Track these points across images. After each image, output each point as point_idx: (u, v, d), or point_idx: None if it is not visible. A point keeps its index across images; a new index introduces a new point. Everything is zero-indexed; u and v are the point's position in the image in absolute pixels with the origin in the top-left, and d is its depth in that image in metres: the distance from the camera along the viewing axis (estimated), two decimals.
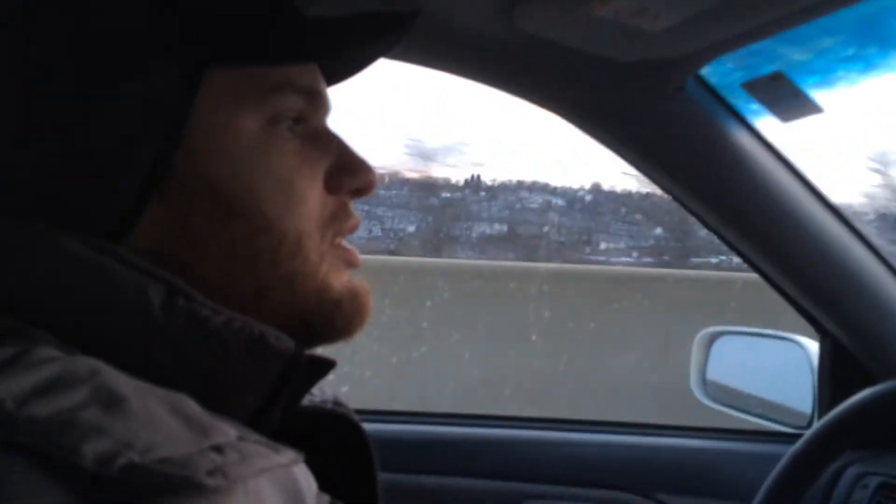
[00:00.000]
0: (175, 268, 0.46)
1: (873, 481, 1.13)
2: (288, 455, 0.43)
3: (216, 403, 0.44)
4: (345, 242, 0.56)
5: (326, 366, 0.52)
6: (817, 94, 0.93)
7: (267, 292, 0.50)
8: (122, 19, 0.46)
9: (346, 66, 0.61)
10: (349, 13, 0.54)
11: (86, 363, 0.39)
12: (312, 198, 0.52)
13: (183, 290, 0.45)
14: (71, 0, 0.46)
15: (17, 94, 0.45)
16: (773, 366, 1.43)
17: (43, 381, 0.36)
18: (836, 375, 1.22)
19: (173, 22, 0.46)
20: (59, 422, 0.35)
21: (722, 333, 1.52)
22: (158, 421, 0.38)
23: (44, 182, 0.45)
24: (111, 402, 0.37)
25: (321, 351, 0.55)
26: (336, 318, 0.53)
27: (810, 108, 0.93)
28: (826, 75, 0.89)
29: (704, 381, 1.46)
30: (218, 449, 0.38)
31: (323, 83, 0.55)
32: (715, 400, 1.43)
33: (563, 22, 0.79)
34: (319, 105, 0.54)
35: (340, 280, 0.54)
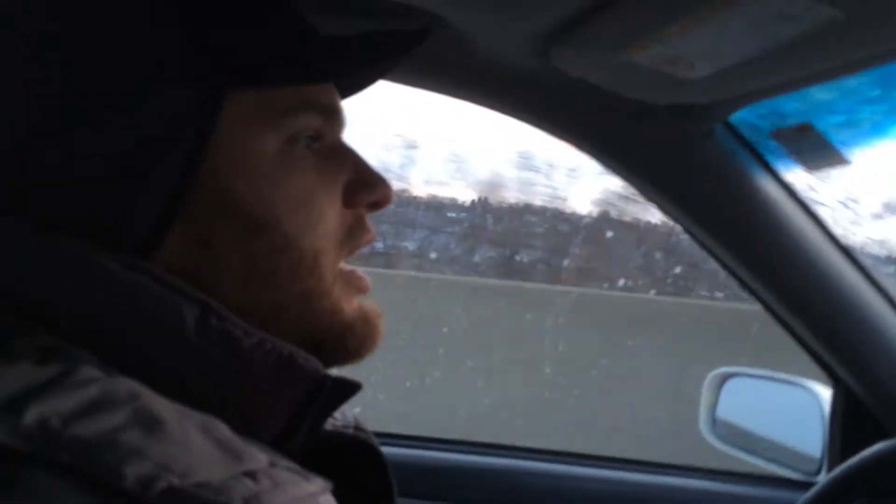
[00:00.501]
0: (199, 284, 0.47)
1: None
2: (318, 483, 0.44)
3: (244, 425, 0.44)
4: (357, 270, 0.57)
5: (352, 388, 0.52)
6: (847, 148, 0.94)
7: (284, 309, 0.51)
8: (147, 44, 0.47)
9: (358, 82, 0.62)
10: (364, 32, 0.56)
11: (126, 385, 0.40)
12: (331, 214, 0.53)
13: (217, 310, 0.46)
14: (95, 26, 0.47)
15: (37, 106, 0.46)
16: (784, 410, 1.42)
17: (86, 401, 0.37)
18: (847, 424, 1.21)
19: (198, 48, 0.48)
20: (101, 443, 0.35)
21: (733, 375, 1.52)
22: (194, 444, 0.38)
23: (70, 198, 0.45)
24: (150, 424, 0.38)
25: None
26: (348, 340, 0.54)
27: (837, 159, 0.94)
28: (851, 116, 0.90)
29: (714, 422, 1.46)
30: (251, 475, 0.39)
31: (338, 100, 0.56)
32: (725, 441, 1.42)
33: (599, 65, 0.80)
34: (335, 121, 0.56)
35: (351, 304, 0.55)
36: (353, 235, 0.55)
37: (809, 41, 0.64)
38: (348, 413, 0.65)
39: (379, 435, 1.33)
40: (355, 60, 0.56)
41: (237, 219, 0.49)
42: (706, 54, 0.71)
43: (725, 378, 1.50)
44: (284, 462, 0.45)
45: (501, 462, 1.31)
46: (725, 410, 1.46)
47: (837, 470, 0.94)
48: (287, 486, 0.40)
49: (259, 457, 0.42)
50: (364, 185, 0.55)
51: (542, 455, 1.35)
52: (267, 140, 0.50)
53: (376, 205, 0.57)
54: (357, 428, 0.63)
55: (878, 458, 0.90)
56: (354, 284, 0.56)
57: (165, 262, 0.47)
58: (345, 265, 0.56)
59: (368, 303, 0.57)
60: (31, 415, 0.35)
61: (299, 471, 0.44)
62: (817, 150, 0.93)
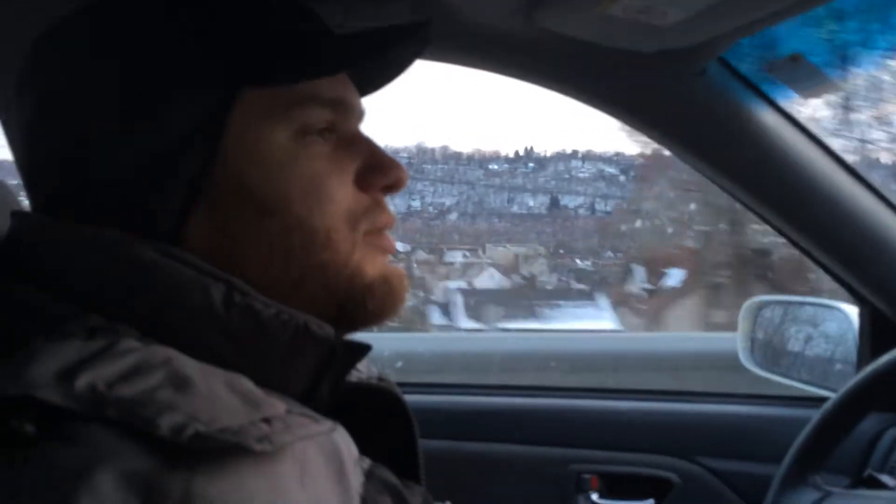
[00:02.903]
0: (222, 263, 0.53)
1: None
2: (326, 425, 0.51)
3: (270, 383, 0.52)
4: (385, 233, 0.61)
5: (362, 349, 0.59)
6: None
7: (303, 282, 0.56)
8: (169, 55, 0.53)
9: (380, 73, 0.66)
10: (366, 28, 0.60)
11: (160, 352, 0.47)
12: (341, 195, 0.57)
13: (240, 287, 0.52)
14: (121, 36, 0.54)
15: (79, 118, 0.53)
16: (818, 333, 1.45)
17: (126, 368, 0.45)
18: (875, 341, 1.24)
19: (211, 56, 0.54)
20: (139, 400, 0.43)
21: (768, 303, 1.55)
22: (219, 397, 0.46)
23: (105, 192, 0.53)
24: (181, 383, 0.45)
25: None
26: (368, 301, 0.59)
27: (830, 85, 0.96)
28: (839, 41, 0.91)
29: (752, 350, 1.49)
30: (267, 420, 0.46)
31: (351, 92, 0.61)
32: (762, 368, 1.46)
33: (579, 20, 0.84)
34: (348, 113, 0.60)
35: (374, 266, 0.59)
36: (369, 215, 0.59)
37: None
38: (374, 367, 0.72)
39: (421, 385, 1.42)
40: (359, 56, 0.59)
41: (251, 204, 0.54)
42: (675, 1, 0.75)
43: (761, 306, 1.53)
44: (300, 409, 0.52)
45: (540, 402, 1.38)
46: (761, 337, 1.49)
47: (849, 383, 0.97)
48: (297, 427, 0.47)
49: (277, 405, 0.49)
50: (377, 170, 0.60)
51: (578, 392, 1.41)
52: (277, 133, 0.55)
53: (390, 188, 0.61)
54: (380, 379, 0.69)
55: (886, 371, 0.93)
56: (379, 246, 0.60)
57: (191, 245, 0.54)
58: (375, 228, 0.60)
59: (394, 266, 0.62)
60: (82, 381, 0.43)
61: (312, 415, 0.51)
62: (810, 77, 0.95)
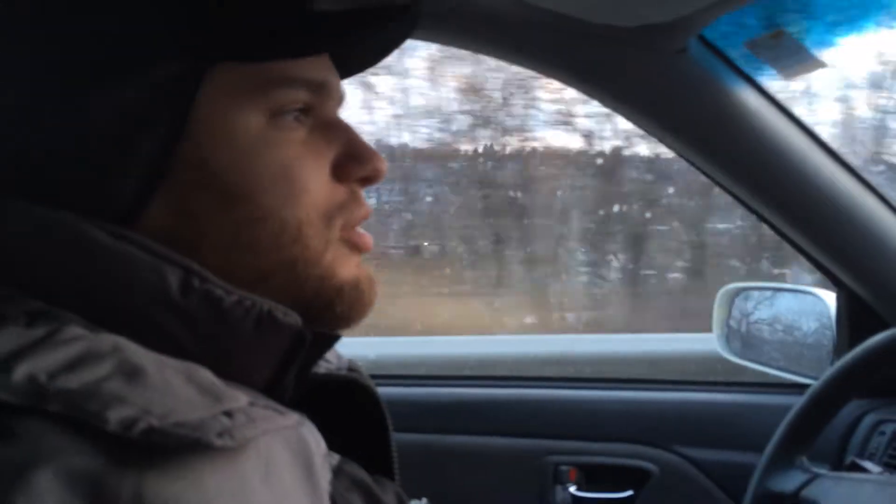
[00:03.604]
0: (181, 248, 0.48)
1: (890, 428, 1.16)
2: (293, 418, 0.47)
3: (231, 373, 0.47)
4: (358, 228, 0.56)
5: (330, 339, 0.55)
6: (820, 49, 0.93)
7: (268, 276, 0.52)
8: (128, 17, 0.48)
9: (363, 56, 0.61)
10: (351, 6, 0.54)
11: (109, 340, 0.43)
12: (316, 186, 0.53)
13: (198, 272, 0.48)
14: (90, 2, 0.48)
15: (31, 84, 0.48)
16: (794, 319, 1.44)
17: (71, 357, 0.40)
18: (853, 326, 1.23)
19: (178, 21, 0.48)
20: (85, 392, 0.39)
21: (743, 289, 1.54)
22: (175, 389, 0.41)
23: (55, 167, 0.48)
24: (132, 373, 0.41)
25: None
26: (335, 304, 0.54)
27: (814, 63, 0.94)
28: (821, 17, 0.88)
29: (728, 337, 1.48)
30: (228, 414, 0.42)
31: (332, 74, 0.56)
32: (737, 355, 1.45)
33: None
34: (327, 96, 0.55)
35: (347, 267, 0.55)
36: (345, 209, 0.55)
37: None
38: (343, 356, 0.68)
39: (396, 377, 1.39)
40: (338, 35, 0.55)
41: (216, 189, 0.50)
42: None
43: (736, 293, 1.52)
44: (264, 401, 0.48)
45: (515, 392, 1.35)
46: (737, 325, 1.48)
47: (833, 368, 0.96)
48: (260, 421, 0.44)
49: (239, 397, 0.45)
50: (355, 160, 0.55)
51: (554, 382, 1.39)
52: (249, 113, 0.50)
53: (368, 179, 0.56)
54: (351, 369, 0.65)
55: (869, 353, 0.91)
56: (354, 243, 0.56)
57: (148, 229, 0.49)
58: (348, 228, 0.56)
59: (366, 268, 0.57)
60: (20, 372, 0.39)
61: (277, 408, 0.47)
62: (793, 55, 0.93)
